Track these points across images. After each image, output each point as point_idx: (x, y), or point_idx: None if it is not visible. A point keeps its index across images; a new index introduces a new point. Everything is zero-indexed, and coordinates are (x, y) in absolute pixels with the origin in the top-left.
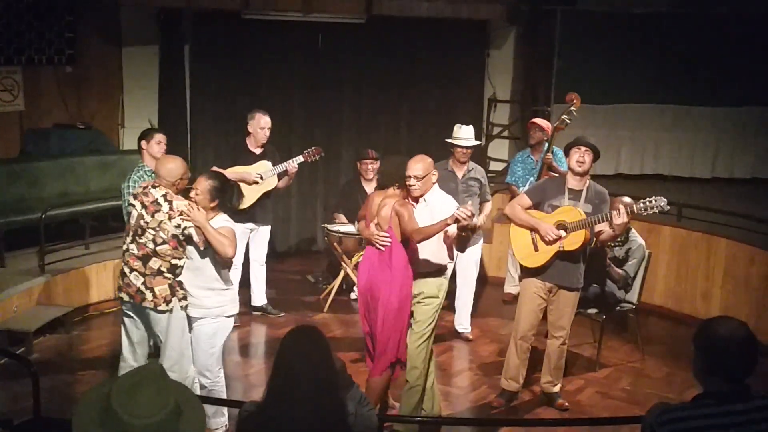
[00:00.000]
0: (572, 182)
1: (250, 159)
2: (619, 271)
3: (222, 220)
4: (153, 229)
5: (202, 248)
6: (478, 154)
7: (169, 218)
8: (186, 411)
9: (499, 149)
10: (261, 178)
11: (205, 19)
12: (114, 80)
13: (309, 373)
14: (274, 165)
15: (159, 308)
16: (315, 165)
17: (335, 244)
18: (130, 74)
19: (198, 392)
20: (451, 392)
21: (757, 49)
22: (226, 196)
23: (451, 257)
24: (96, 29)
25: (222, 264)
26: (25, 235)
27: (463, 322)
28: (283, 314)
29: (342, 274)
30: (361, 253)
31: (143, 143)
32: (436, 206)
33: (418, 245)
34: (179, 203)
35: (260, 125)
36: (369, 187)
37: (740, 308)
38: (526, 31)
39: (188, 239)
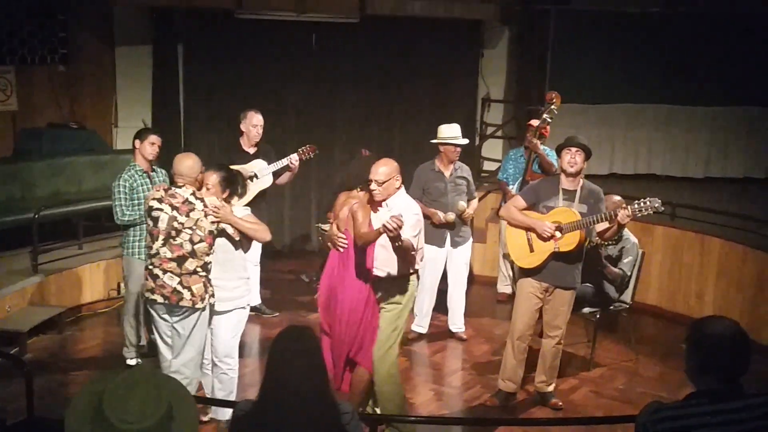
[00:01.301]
0: (566, 183)
1: (245, 158)
2: (616, 270)
3: (240, 209)
4: (190, 228)
5: (237, 239)
6: (472, 154)
7: (205, 215)
8: (179, 413)
9: (493, 149)
10: (256, 176)
11: (199, 18)
12: (107, 80)
13: (299, 372)
14: (269, 164)
15: (196, 306)
16: (309, 164)
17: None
18: (123, 74)
19: (213, 385)
20: (445, 392)
21: (750, 49)
22: (234, 186)
23: (411, 262)
24: (89, 28)
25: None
26: (18, 235)
27: (456, 321)
28: (277, 314)
29: None
30: None
31: (137, 143)
32: (398, 212)
33: (377, 249)
34: (211, 199)
35: (252, 123)
36: None
37: (733, 307)
38: (519, 31)
39: (221, 233)
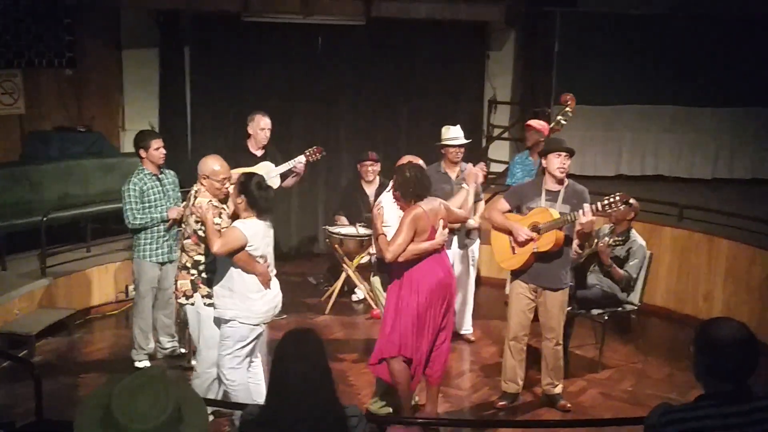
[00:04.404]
0: (550, 184)
1: (252, 161)
2: (621, 272)
3: (243, 222)
4: (184, 223)
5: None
6: (479, 156)
7: (191, 213)
8: (187, 414)
9: (500, 151)
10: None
11: (205, 21)
12: (114, 83)
13: (303, 376)
14: (276, 166)
15: (179, 300)
16: (316, 167)
17: (336, 245)
18: (130, 77)
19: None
20: (453, 393)
21: (756, 50)
22: (250, 196)
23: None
24: (96, 32)
25: (244, 269)
26: (26, 238)
27: (464, 323)
28: (285, 316)
29: (343, 275)
30: (362, 255)
31: (142, 152)
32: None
33: None
34: (199, 199)
35: (260, 126)
36: (369, 189)
37: (742, 309)
38: (525, 33)
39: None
